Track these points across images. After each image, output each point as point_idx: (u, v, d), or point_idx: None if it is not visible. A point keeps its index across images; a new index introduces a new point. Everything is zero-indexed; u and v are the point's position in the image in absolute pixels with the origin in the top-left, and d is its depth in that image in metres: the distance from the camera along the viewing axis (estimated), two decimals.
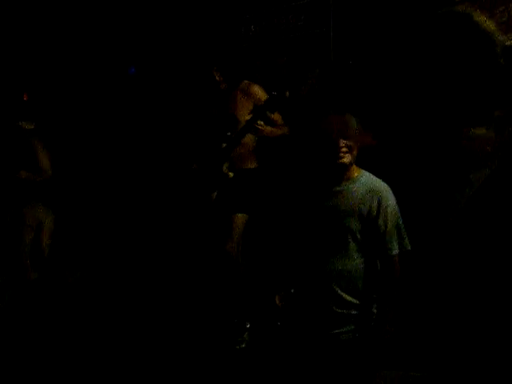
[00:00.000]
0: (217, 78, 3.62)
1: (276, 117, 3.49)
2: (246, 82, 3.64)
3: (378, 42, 3.52)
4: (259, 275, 3.49)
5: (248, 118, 3.45)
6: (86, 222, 3.79)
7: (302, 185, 2.78)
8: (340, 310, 2.48)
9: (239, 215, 3.55)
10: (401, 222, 2.51)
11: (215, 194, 3.57)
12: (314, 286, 2.54)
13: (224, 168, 3.51)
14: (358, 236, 2.49)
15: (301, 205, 2.69)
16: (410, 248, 2.50)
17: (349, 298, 2.48)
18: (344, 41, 3.64)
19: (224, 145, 3.53)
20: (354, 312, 2.49)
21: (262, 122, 3.40)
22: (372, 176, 2.59)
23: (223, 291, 3.58)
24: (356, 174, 2.57)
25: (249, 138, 3.54)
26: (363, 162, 2.62)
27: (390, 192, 2.53)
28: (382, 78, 3.49)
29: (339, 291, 2.48)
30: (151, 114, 4.24)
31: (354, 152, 2.54)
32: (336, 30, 3.69)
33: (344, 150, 2.50)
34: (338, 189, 2.56)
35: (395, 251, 2.47)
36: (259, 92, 3.55)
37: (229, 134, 3.53)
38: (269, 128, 3.45)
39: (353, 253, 2.49)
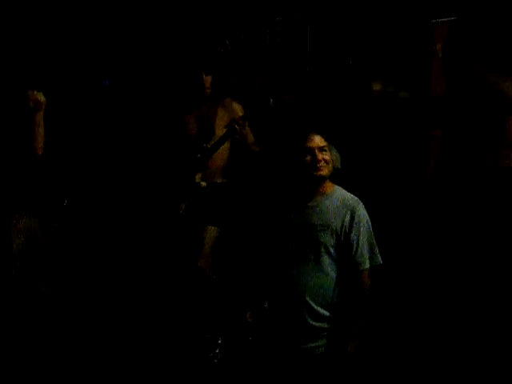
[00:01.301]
0: (205, 83, 3.60)
1: (248, 134, 3.54)
2: (229, 99, 3.68)
3: (353, 57, 3.59)
4: (232, 290, 3.48)
5: (224, 131, 3.48)
6: (59, 232, 3.74)
7: (276, 200, 2.82)
8: (314, 323, 2.51)
9: (210, 229, 3.53)
10: (372, 237, 2.56)
11: (184, 204, 3.57)
12: (288, 299, 2.57)
13: (197, 178, 3.53)
14: (331, 250, 2.53)
15: (274, 220, 2.73)
16: (381, 262, 2.55)
17: (322, 311, 2.52)
18: (320, 57, 3.69)
19: (199, 155, 3.55)
20: (327, 326, 2.52)
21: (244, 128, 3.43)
22: (345, 191, 2.64)
23: (195, 306, 3.55)
24: (329, 190, 2.62)
25: (222, 153, 3.57)
26: (336, 178, 2.67)
27: (363, 207, 2.58)
28: (357, 94, 3.55)
29: (313, 304, 2.51)
30: (128, 122, 4.23)
31: (330, 166, 2.60)
32: (312, 46, 3.74)
33: (322, 163, 2.56)
34: (311, 204, 2.60)
35: (366, 266, 2.52)
36: (239, 110, 3.61)
37: (205, 145, 3.55)
38: (250, 137, 3.51)
39: (326, 267, 2.53)
